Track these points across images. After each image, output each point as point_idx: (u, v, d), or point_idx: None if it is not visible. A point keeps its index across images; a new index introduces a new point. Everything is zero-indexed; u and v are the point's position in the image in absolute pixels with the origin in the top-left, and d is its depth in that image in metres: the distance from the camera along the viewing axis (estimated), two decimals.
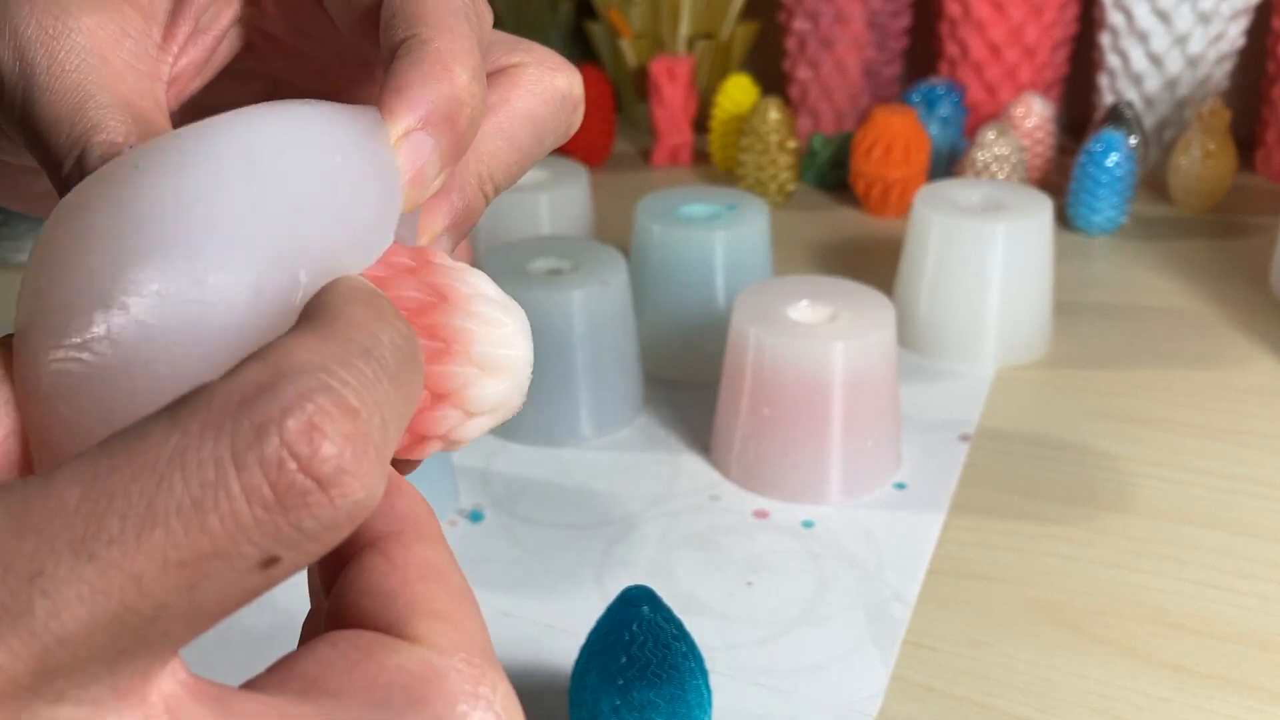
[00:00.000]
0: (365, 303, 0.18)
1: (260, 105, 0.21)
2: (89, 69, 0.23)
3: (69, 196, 0.20)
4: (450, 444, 0.21)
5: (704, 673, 0.38)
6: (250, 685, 0.17)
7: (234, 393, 0.15)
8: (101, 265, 0.18)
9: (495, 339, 0.21)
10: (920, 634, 0.44)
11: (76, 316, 0.18)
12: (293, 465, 0.15)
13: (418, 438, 0.21)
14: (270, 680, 0.17)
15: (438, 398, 0.21)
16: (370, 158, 0.20)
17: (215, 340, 0.18)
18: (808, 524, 0.51)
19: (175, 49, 0.25)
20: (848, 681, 0.42)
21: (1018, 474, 0.54)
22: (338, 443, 0.15)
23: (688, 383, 0.62)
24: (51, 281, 0.18)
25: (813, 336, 0.51)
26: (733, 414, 0.54)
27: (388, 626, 0.18)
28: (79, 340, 0.18)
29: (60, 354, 0.18)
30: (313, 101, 0.21)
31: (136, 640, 0.15)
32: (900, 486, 0.53)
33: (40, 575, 0.14)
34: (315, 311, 0.17)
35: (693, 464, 0.56)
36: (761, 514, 0.52)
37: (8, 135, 0.25)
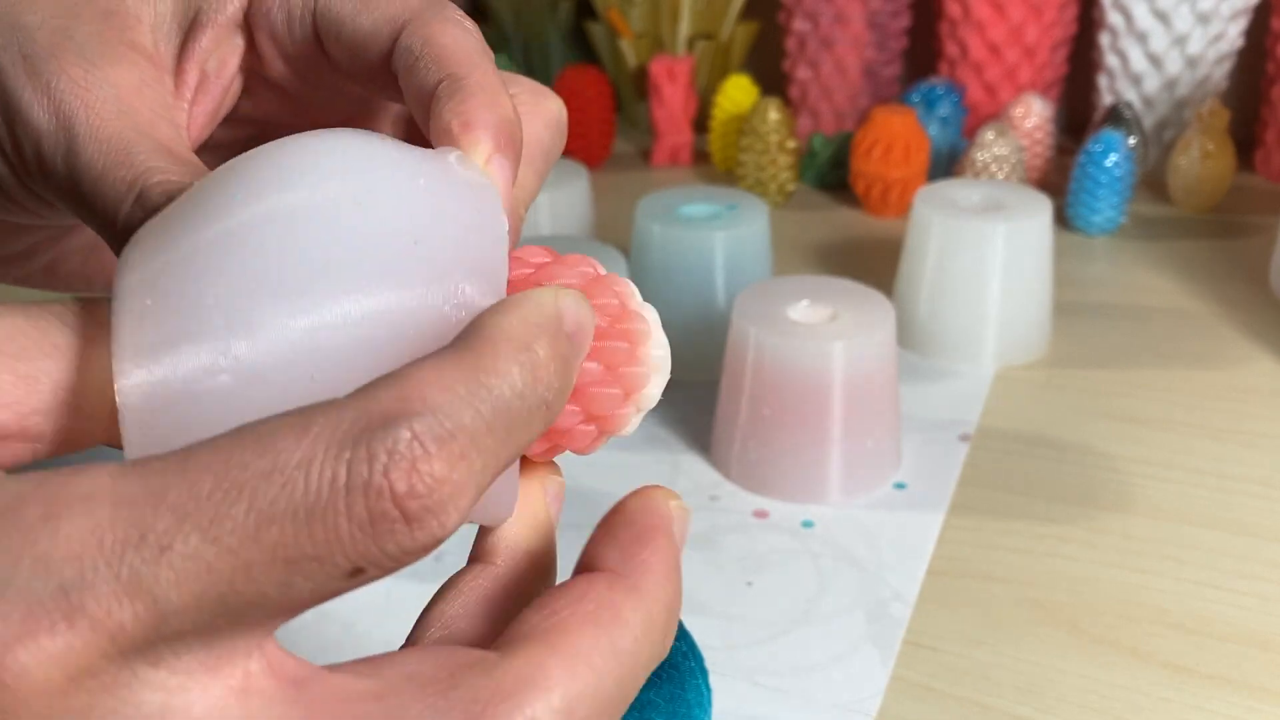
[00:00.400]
0: (517, 344, 0.18)
1: (332, 135, 0.21)
2: (127, 118, 0.24)
3: (152, 222, 0.20)
4: (613, 435, 0.23)
5: (704, 672, 0.38)
6: (337, 669, 0.18)
7: (362, 418, 0.17)
8: (230, 297, 0.18)
9: (657, 340, 0.23)
10: (920, 634, 0.44)
11: (205, 345, 0.18)
12: (388, 496, 0.16)
13: (601, 433, 0.23)
14: (360, 669, 0.18)
15: (627, 395, 0.22)
16: (465, 185, 0.21)
17: (350, 374, 0.18)
18: (808, 524, 0.51)
19: (188, 95, 0.26)
20: (848, 681, 0.42)
21: (1018, 474, 0.54)
22: (432, 485, 0.17)
23: (688, 383, 0.62)
24: (168, 309, 0.19)
25: (813, 336, 0.51)
26: (733, 414, 0.54)
27: (515, 636, 0.19)
28: (210, 368, 0.18)
29: (191, 378, 0.18)
30: (378, 137, 0.21)
31: (233, 621, 0.16)
32: (900, 486, 0.53)
33: (170, 550, 0.16)
34: (467, 339, 0.18)
35: (693, 464, 0.56)
36: (761, 514, 0.52)
37: (26, 193, 0.25)
